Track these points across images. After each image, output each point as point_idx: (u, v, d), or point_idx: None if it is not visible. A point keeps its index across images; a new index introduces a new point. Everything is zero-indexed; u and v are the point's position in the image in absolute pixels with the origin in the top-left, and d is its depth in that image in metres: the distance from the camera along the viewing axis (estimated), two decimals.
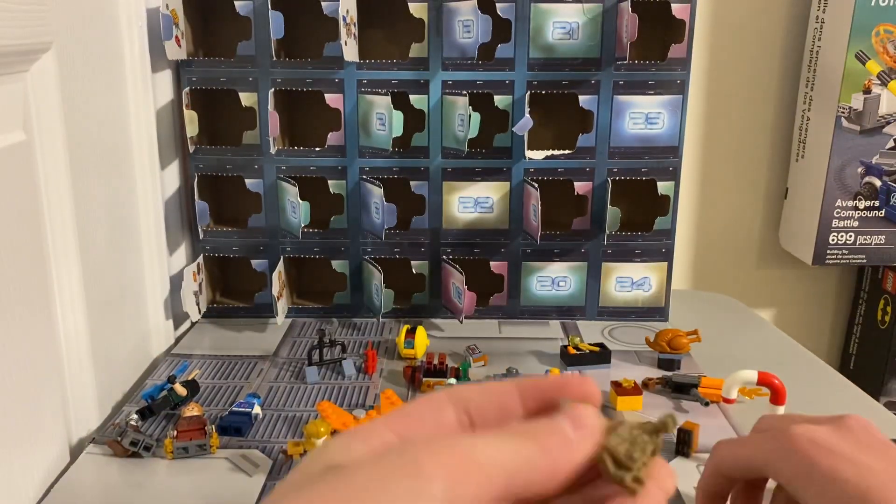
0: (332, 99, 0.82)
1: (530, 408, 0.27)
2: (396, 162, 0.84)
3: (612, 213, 0.82)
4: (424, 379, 0.70)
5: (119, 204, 0.72)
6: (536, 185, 0.80)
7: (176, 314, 0.84)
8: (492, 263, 0.87)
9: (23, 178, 0.54)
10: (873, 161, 0.96)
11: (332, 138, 0.83)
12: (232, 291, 0.93)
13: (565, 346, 0.77)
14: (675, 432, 0.61)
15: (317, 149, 0.84)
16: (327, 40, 0.81)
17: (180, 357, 0.78)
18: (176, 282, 0.83)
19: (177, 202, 0.86)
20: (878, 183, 0.97)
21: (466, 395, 0.27)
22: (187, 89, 0.81)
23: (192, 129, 0.81)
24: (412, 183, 0.85)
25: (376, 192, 0.81)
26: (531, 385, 0.27)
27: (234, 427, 0.62)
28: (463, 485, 0.21)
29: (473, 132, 0.78)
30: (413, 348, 0.76)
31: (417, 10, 0.80)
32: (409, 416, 0.26)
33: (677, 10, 0.80)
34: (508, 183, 0.84)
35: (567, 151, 0.84)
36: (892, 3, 0.91)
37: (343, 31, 0.76)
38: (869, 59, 0.93)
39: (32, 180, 0.56)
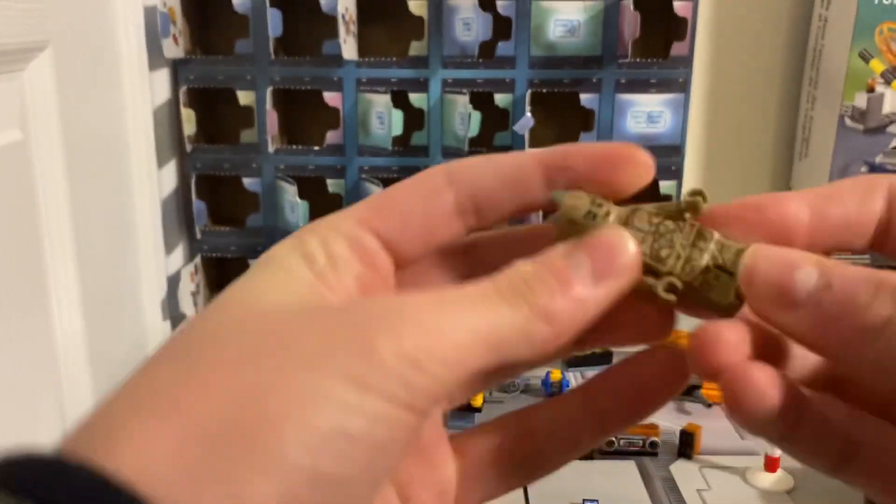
0: (331, 97, 0.82)
1: (558, 185, 0.21)
2: (396, 161, 0.83)
3: None
4: None
5: (116, 203, 0.71)
6: None
7: (173, 315, 0.83)
8: None
9: (19, 176, 0.54)
10: (877, 160, 0.96)
11: (331, 137, 0.83)
12: None
13: None
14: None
15: (315, 148, 0.83)
16: (326, 38, 0.80)
17: None
18: (173, 282, 0.82)
19: (174, 202, 0.85)
20: None
21: (472, 174, 0.20)
22: (185, 88, 0.80)
23: (189, 127, 0.80)
24: None
25: (376, 192, 0.80)
26: (559, 157, 0.21)
27: None
28: (427, 367, 0.16)
29: (474, 131, 0.77)
30: None
31: (417, 7, 0.80)
32: (394, 206, 0.20)
33: (679, 7, 0.79)
34: None
35: None
36: (895, 2, 0.90)
37: (342, 28, 0.75)
38: (872, 57, 0.92)
39: (29, 179, 0.56)
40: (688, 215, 0.20)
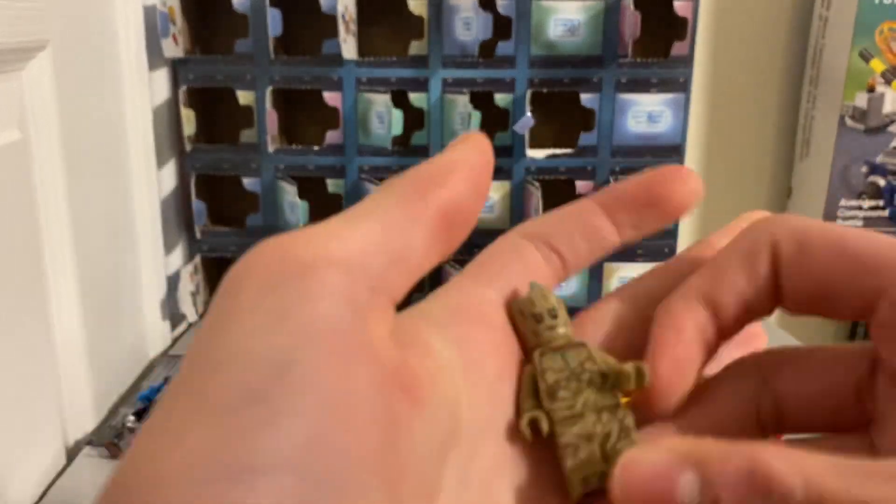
0: (331, 97, 0.81)
1: (623, 221, 0.22)
2: (396, 161, 0.83)
3: None
4: None
5: (115, 203, 0.71)
6: (538, 185, 0.79)
7: (173, 315, 0.83)
8: None
9: (18, 177, 0.54)
10: (878, 160, 0.96)
11: (331, 137, 0.83)
12: None
13: None
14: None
15: (315, 147, 0.83)
16: (325, 38, 0.80)
17: (177, 358, 0.77)
18: (173, 282, 0.82)
19: (173, 202, 0.85)
20: (882, 182, 0.96)
21: (542, 228, 0.23)
22: (184, 87, 0.80)
23: (188, 127, 0.80)
24: None
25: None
26: (613, 196, 0.22)
27: None
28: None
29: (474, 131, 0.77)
30: None
31: (417, 6, 0.79)
32: (492, 264, 0.22)
33: (680, 7, 0.79)
34: (509, 182, 0.84)
35: (569, 150, 0.83)
36: (895, 1, 0.90)
37: (341, 28, 0.75)
38: (873, 57, 0.92)
39: (28, 179, 0.55)
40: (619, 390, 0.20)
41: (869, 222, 0.98)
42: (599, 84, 0.81)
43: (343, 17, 0.75)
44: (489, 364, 0.20)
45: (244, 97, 0.82)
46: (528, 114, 0.79)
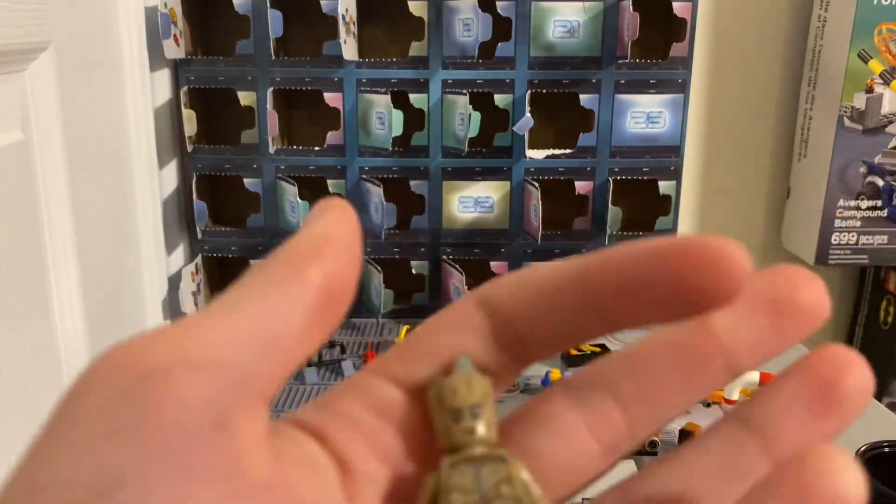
0: (332, 98, 0.82)
1: (617, 305, 0.16)
2: (396, 161, 0.83)
3: (614, 213, 0.81)
4: None
5: (117, 203, 0.72)
6: (537, 185, 0.80)
7: (174, 315, 0.84)
8: (492, 263, 0.87)
9: (21, 177, 0.54)
10: (876, 160, 0.96)
11: (332, 137, 0.83)
12: None
13: None
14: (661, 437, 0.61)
15: (316, 148, 0.83)
16: (326, 39, 0.80)
17: None
18: (174, 282, 0.83)
19: (175, 202, 0.86)
20: (880, 183, 0.97)
21: (498, 294, 0.17)
22: (185, 88, 0.80)
23: (190, 128, 0.80)
24: (412, 182, 0.84)
25: (376, 192, 0.80)
26: (611, 263, 0.16)
27: None
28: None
29: (474, 131, 0.78)
30: None
31: (417, 8, 0.80)
32: (420, 346, 0.18)
33: (679, 8, 0.79)
34: (509, 182, 0.84)
35: (568, 151, 0.83)
36: (894, 2, 0.90)
37: (342, 29, 0.75)
38: (871, 58, 0.92)
39: (30, 180, 0.56)
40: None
41: (867, 222, 0.98)
42: (598, 85, 0.81)
43: (343, 18, 0.75)
44: (383, 473, 0.18)
45: (245, 98, 0.82)
46: (528, 114, 0.80)
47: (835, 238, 0.99)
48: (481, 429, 0.17)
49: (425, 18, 0.80)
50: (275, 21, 0.76)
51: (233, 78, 0.81)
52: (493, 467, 0.17)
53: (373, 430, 0.18)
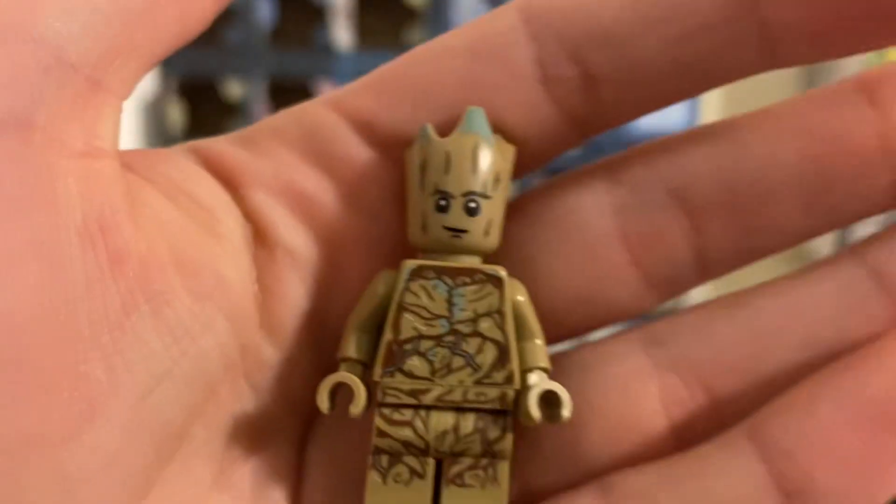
0: (326, 89, 0.80)
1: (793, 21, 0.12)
2: None
3: None
4: None
5: None
6: None
7: None
8: None
9: None
10: None
11: None
12: None
13: None
14: None
15: None
16: (319, 28, 0.78)
17: None
18: None
19: None
20: None
21: (562, 5, 0.12)
22: (173, 79, 0.79)
23: (177, 120, 0.79)
24: None
25: None
26: None
27: None
28: None
29: None
30: None
31: None
32: (410, 78, 0.12)
33: None
34: None
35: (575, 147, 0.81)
36: None
37: (337, 18, 0.74)
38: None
39: None
40: None
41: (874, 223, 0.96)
42: None
43: (338, 7, 0.75)
44: (315, 253, 0.12)
45: (235, 89, 0.80)
46: None
47: (839, 238, 0.97)
48: (475, 228, 0.11)
49: (423, 7, 0.78)
50: (266, 9, 0.76)
51: (222, 69, 0.80)
52: (478, 289, 0.11)
53: (311, 190, 0.12)
